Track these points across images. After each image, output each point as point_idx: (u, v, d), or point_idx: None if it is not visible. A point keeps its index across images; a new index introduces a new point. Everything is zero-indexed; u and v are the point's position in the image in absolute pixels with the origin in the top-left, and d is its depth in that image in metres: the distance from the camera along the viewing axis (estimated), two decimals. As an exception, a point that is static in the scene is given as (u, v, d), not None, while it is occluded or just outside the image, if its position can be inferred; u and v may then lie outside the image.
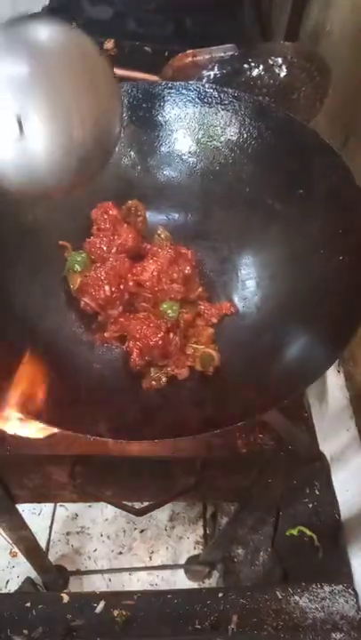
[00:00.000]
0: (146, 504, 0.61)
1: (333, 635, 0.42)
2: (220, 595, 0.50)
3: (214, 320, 0.69)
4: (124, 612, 0.48)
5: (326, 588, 0.52)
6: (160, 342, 0.63)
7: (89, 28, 0.48)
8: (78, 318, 0.69)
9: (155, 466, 0.64)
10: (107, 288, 0.67)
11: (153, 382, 0.62)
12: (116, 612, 0.48)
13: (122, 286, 0.67)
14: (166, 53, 1.09)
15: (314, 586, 0.52)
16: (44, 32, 0.46)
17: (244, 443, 0.61)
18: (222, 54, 1.02)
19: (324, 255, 0.64)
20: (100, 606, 0.49)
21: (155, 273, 0.68)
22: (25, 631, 0.52)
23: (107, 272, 0.67)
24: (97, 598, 0.49)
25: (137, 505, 0.65)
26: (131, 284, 0.68)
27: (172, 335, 0.65)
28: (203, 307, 0.70)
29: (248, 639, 0.41)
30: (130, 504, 0.62)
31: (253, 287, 0.70)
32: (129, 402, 0.61)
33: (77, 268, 0.70)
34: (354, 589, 0.52)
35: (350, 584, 0.52)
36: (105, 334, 0.67)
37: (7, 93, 0.43)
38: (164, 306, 0.67)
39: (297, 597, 0.51)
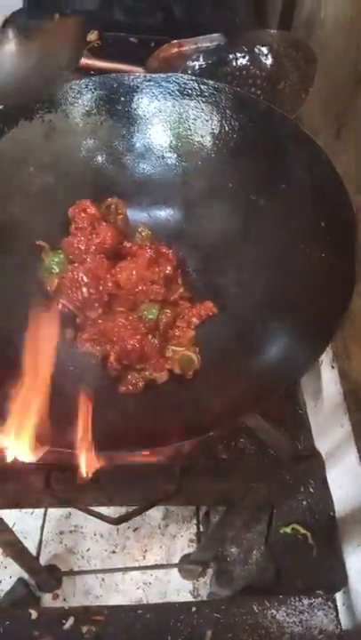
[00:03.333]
0: (124, 511, 0.59)
1: (310, 651, 0.40)
2: (194, 609, 0.48)
3: (195, 321, 0.67)
4: (93, 629, 0.47)
5: (305, 601, 0.50)
6: (137, 345, 0.61)
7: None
8: (56, 320, 0.67)
9: (134, 472, 0.62)
10: (84, 290, 0.65)
11: (130, 387, 0.60)
12: (85, 629, 0.47)
13: (100, 287, 0.65)
14: (153, 44, 1.07)
15: (292, 599, 0.50)
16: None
17: (224, 448, 0.59)
18: (209, 44, 1.00)
19: (307, 252, 0.62)
20: (70, 623, 0.47)
21: (133, 274, 0.66)
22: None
23: (84, 273, 0.65)
24: (66, 614, 0.48)
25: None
26: (110, 285, 0.66)
27: (150, 338, 0.63)
28: (184, 308, 0.68)
29: (222, 656, 0.40)
30: (107, 511, 0.60)
31: (236, 286, 0.68)
32: (106, 409, 0.59)
33: (55, 269, 0.68)
34: (333, 602, 0.50)
35: (330, 594, 0.50)
36: (84, 337, 0.66)
37: None
38: (144, 308, 0.65)
39: (274, 611, 0.49)
